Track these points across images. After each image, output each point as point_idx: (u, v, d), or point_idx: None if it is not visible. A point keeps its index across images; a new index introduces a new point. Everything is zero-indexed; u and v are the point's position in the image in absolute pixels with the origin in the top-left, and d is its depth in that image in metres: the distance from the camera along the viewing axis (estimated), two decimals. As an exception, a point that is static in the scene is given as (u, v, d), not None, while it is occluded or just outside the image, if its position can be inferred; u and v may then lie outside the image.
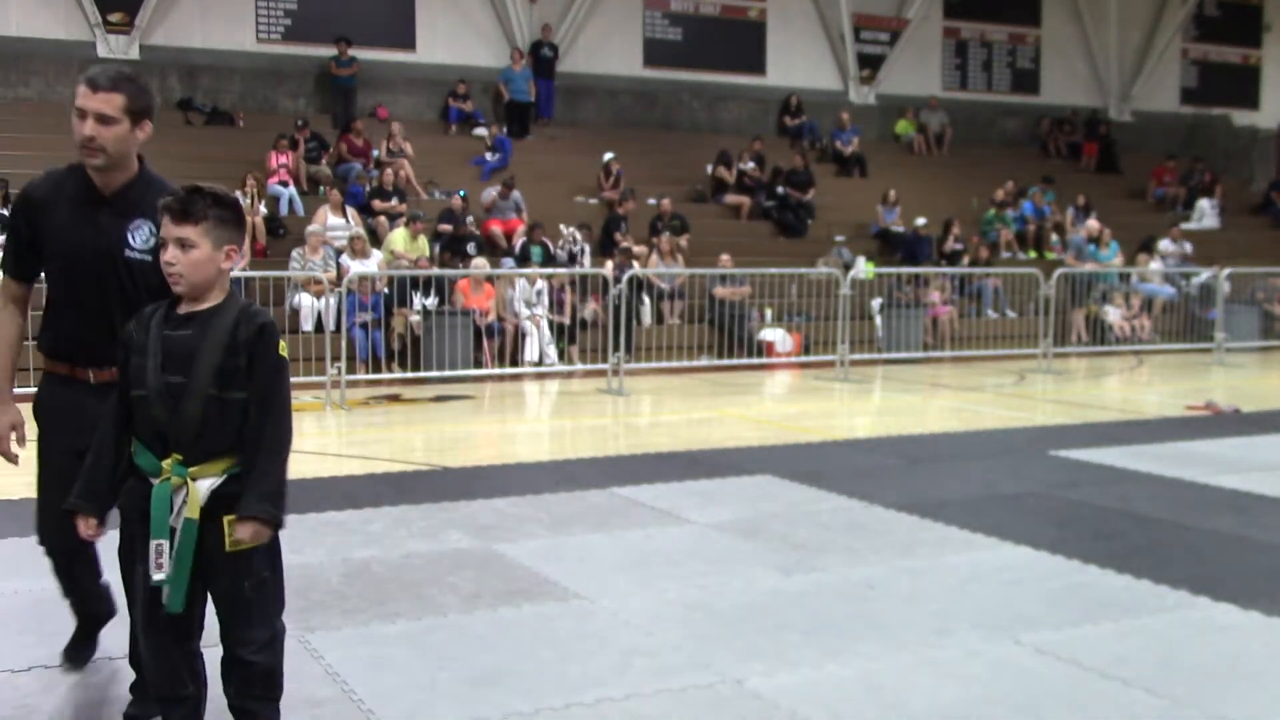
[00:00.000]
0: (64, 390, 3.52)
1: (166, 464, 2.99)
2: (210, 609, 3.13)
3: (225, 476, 3.02)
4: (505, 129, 19.02)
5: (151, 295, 3.29)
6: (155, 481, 3.00)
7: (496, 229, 15.71)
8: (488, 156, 17.62)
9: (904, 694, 3.77)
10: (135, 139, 3.46)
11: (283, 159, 15.65)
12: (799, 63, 21.93)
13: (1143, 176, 22.86)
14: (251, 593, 3.07)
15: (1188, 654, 4.16)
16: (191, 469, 2.99)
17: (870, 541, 5.65)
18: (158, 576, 2.97)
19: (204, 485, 3.00)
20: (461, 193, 15.54)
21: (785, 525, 5.94)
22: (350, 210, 14.78)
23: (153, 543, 2.98)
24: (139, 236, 3.46)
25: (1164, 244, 18.87)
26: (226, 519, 3.00)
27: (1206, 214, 21.59)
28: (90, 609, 3.87)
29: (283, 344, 3.11)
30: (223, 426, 3.01)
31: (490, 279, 13.57)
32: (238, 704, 3.15)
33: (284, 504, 3.07)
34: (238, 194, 14.37)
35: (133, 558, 3.15)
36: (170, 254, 3.04)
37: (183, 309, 3.08)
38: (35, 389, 3.62)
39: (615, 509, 6.33)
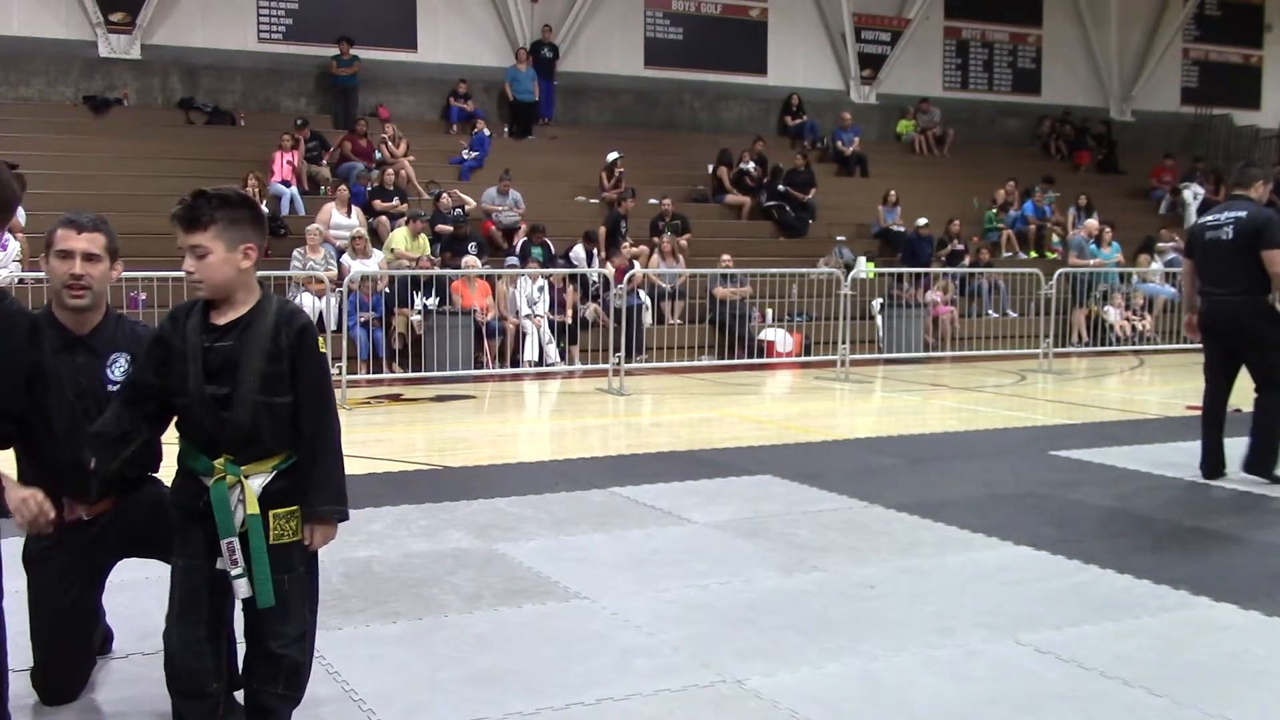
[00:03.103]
0: (57, 534, 3.50)
1: (218, 463, 3.03)
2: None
3: (274, 473, 3.07)
4: (508, 129, 19.04)
5: None
6: (210, 481, 3.03)
7: (495, 228, 15.73)
8: (465, 155, 17.59)
9: (904, 694, 3.77)
10: (111, 278, 3.62)
11: (288, 158, 15.66)
12: (800, 62, 21.94)
13: (1143, 176, 22.86)
14: (289, 587, 3.10)
15: (1188, 654, 4.15)
16: (244, 467, 3.04)
17: (871, 541, 5.65)
18: (235, 572, 3.03)
19: (256, 483, 3.05)
20: (437, 191, 15.54)
21: (786, 525, 5.94)
22: (355, 209, 14.78)
23: (223, 542, 3.03)
24: (117, 370, 3.58)
25: (1160, 244, 18.87)
26: (272, 513, 3.06)
27: (1199, 194, 21.55)
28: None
29: (321, 341, 3.16)
30: (272, 429, 3.06)
31: (489, 278, 13.58)
32: (257, 700, 3.14)
33: (346, 498, 3.17)
34: (240, 193, 14.45)
35: (175, 552, 3.17)
36: (188, 263, 3.05)
37: (219, 319, 3.08)
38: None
39: (616, 509, 6.33)
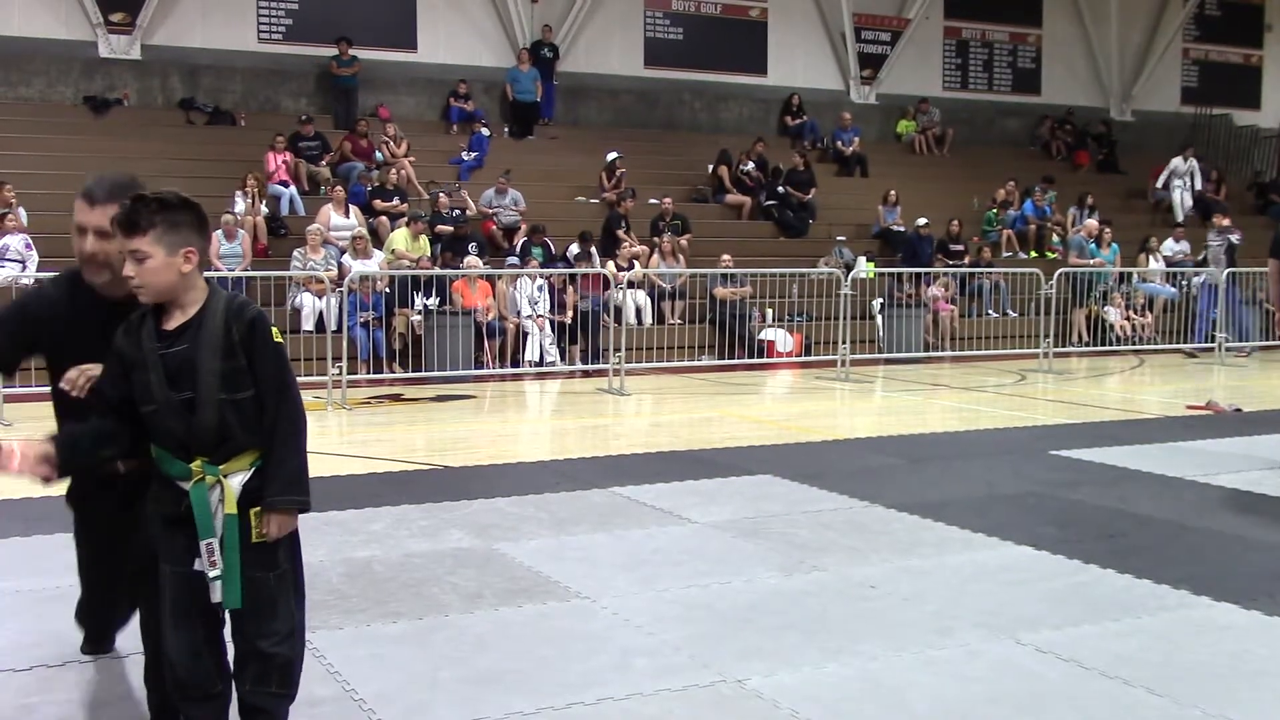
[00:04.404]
0: (95, 486, 3.44)
1: (195, 466, 3.02)
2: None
3: (252, 470, 3.07)
4: (508, 129, 19.04)
5: None
6: (188, 485, 3.03)
7: (496, 228, 15.75)
8: (465, 156, 17.61)
9: (905, 694, 3.77)
10: None
11: (281, 158, 15.67)
12: (800, 62, 21.94)
13: (1143, 177, 22.85)
14: (275, 584, 3.10)
15: (1188, 654, 4.16)
16: (221, 467, 3.03)
17: (871, 541, 5.65)
18: (214, 573, 3.02)
19: (235, 481, 3.05)
20: (447, 188, 15.57)
21: (786, 525, 5.95)
22: (353, 209, 14.79)
23: (203, 543, 3.02)
24: None
25: (1168, 243, 18.84)
26: (253, 511, 3.05)
27: (1195, 171, 21.49)
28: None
29: (274, 330, 3.13)
30: (241, 425, 3.05)
31: (489, 278, 13.59)
32: (251, 701, 3.14)
33: (307, 486, 3.11)
34: (237, 194, 14.45)
35: (161, 559, 3.15)
36: (128, 268, 3.03)
37: (169, 323, 3.07)
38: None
39: (616, 508, 6.33)
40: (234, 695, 3.20)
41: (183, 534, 3.06)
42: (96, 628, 3.80)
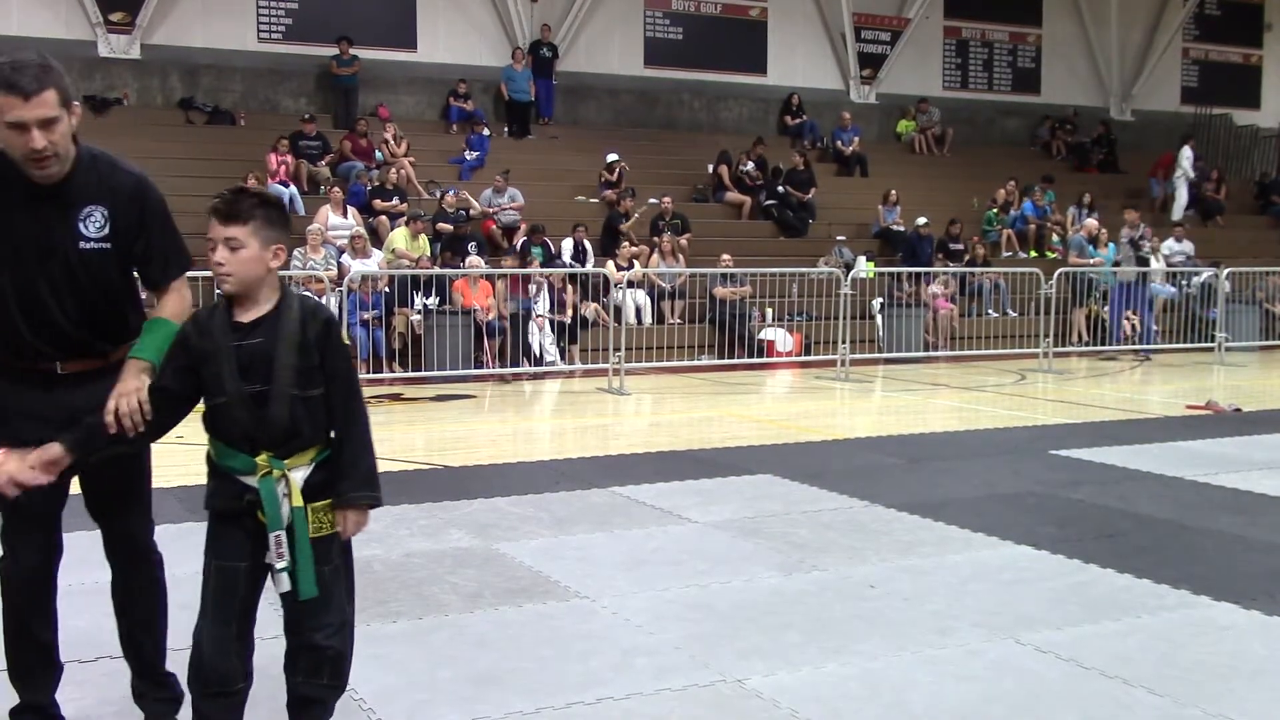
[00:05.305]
0: (24, 383, 3.19)
1: (261, 460, 3.05)
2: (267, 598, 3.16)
3: (313, 465, 3.11)
4: (506, 129, 19.06)
5: (103, 289, 3.19)
6: (253, 479, 3.05)
7: (496, 227, 15.75)
8: (466, 156, 17.61)
9: (905, 693, 3.77)
10: (73, 125, 3.11)
11: (283, 159, 15.68)
12: (800, 62, 21.95)
13: (1143, 176, 22.86)
14: (330, 577, 3.14)
15: (1188, 653, 4.16)
16: (286, 461, 3.07)
17: (871, 541, 5.65)
18: (281, 565, 3.06)
19: (298, 475, 3.09)
20: (451, 190, 15.59)
21: (786, 524, 5.95)
22: (351, 209, 14.80)
23: (272, 535, 3.06)
24: (92, 225, 3.15)
25: (1168, 243, 18.82)
26: (310, 506, 3.09)
27: (1190, 159, 21.47)
28: (25, 673, 3.37)
29: (343, 332, 3.17)
30: (309, 422, 3.09)
31: (489, 277, 13.59)
32: (303, 692, 3.17)
33: (379, 483, 3.17)
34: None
35: (207, 553, 3.15)
36: (219, 255, 3.05)
37: (243, 316, 3.10)
38: None
39: (616, 508, 6.34)
40: (249, 691, 3.21)
41: (238, 528, 3.09)
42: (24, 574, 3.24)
